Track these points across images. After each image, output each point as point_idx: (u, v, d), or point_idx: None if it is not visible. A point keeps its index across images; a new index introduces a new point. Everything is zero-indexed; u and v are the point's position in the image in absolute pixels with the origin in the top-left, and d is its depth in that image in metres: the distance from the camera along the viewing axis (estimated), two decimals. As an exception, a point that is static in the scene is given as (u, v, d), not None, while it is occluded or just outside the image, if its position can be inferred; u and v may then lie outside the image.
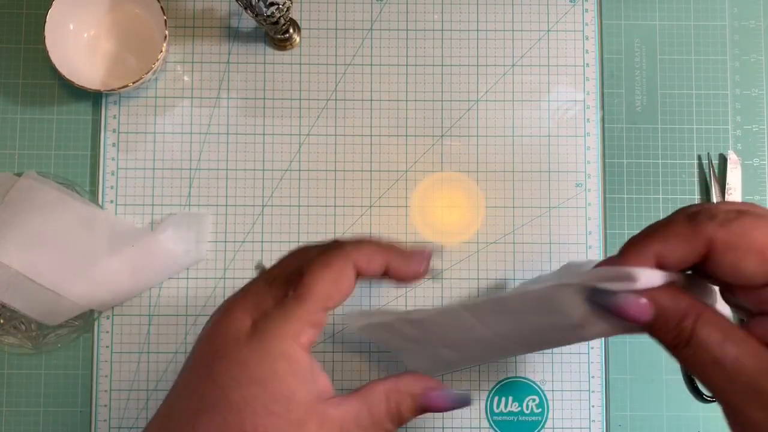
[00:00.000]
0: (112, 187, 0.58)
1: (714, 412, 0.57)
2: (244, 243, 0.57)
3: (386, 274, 0.34)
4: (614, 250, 0.57)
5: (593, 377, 0.57)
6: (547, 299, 0.32)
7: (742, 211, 0.28)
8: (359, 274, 0.32)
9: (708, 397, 0.56)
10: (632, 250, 0.30)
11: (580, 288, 0.31)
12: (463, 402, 0.32)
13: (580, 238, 0.58)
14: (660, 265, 0.29)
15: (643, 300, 0.28)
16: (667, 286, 0.29)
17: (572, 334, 0.33)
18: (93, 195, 0.58)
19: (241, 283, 0.34)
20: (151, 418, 0.32)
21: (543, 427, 0.56)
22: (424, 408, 0.32)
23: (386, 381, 0.32)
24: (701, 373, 0.28)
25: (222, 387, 0.28)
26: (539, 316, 0.33)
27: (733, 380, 0.26)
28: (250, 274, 0.56)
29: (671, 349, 0.29)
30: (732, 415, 0.27)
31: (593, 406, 0.57)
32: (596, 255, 0.58)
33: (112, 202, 0.58)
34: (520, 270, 0.58)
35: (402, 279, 0.34)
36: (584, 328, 0.31)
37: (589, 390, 0.57)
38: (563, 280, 0.31)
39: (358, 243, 0.33)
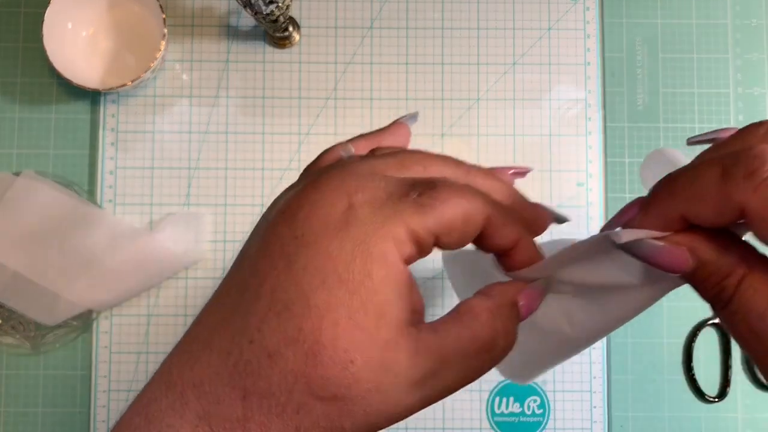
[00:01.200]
0: (110, 187, 0.58)
1: (715, 412, 0.57)
2: (243, 243, 0.57)
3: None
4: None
5: (595, 378, 0.57)
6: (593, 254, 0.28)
7: None
8: (490, 235, 0.26)
9: (710, 398, 0.56)
10: (655, 210, 0.25)
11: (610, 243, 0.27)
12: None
13: (582, 237, 0.58)
14: (690, 225, 0.25)
15: (678, 250, 0.24)
16: (716, 234, 0.24)
17: (637, 293, 0.28)
18: (91, 194, 0.58)
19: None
20: (198, 317, 0.26)
21: (544, 427, 0.56)
22: (523, 312, 0.27)
23: (484, 297, 0.26)
24: (738, 338, 0.24)
25: (301, 284, 0.23)
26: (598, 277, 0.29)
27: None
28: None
29: (712, 306, 0.25)
30: None
31: (595, 407, 0.56)
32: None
33: (110, 201, 0.57)
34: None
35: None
36: (637, 285, 0.27)
37: (590, 390, 0.56)
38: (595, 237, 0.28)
39: (495, 201, 0.27)
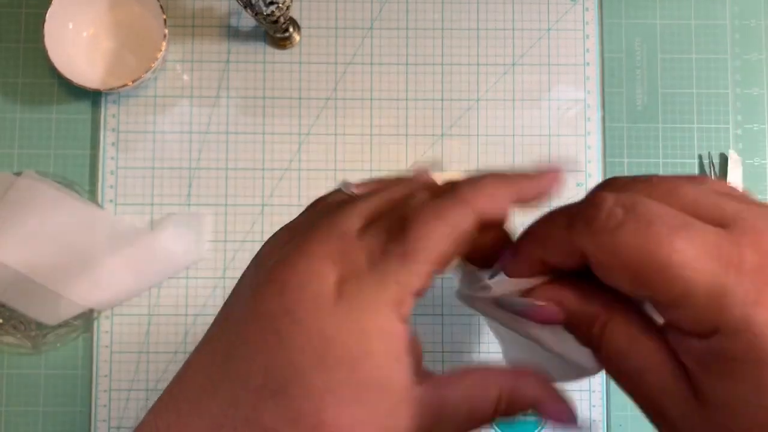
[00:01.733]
0: (111, 187, 0.58)
1: None
2: (244, 243, 0.57)
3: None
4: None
5: (593, 377, 0.57)
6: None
7: (633, 210, 0.22)
8: (482, 224, 0.25)
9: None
10: (520, 256, 0.26)
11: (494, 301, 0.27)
12: (573, 423, 0.26)
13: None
14: (548, 270, 0.26)
15: (546, 304, 0.25)
16: (582, 283, 0.25)
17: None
18: (92, 194, 0.58)
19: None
20: (184, 370, 0.25)
21: (543, 426, 0.56)
22: (533, 413, 0.26)
23: (502, 375, 0.25)
24: (615, 380, 0.25)
25: (297, 365, 0.22)
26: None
27: (638, 390, 0.24)
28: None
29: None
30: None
31: (594, 406, 0.56)
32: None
33: (111, 201, 0.58)
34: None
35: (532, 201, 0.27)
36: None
37: (589, 390, 0.57)
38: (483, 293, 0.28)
39: (476, 183, 0.26)
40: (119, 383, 0.56)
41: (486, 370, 0.25)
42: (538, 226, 0.26)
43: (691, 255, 0.21)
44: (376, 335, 0.23)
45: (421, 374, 0.24)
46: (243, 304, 0.24)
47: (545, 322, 0.26)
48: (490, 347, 0.57)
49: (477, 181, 0.26)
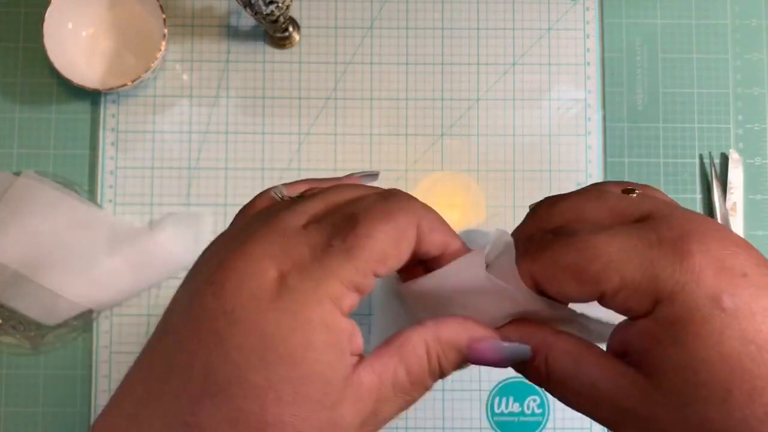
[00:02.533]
0: (110, 187, 0.58)
1: None
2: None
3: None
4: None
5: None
6: None
7: (560, 233, 0.25)
8: (417, 245, 0.26)
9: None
10: None
11: None
12: (519, 355, 0.26)
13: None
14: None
15: (486, 344, 0.26)
16: (519, 323, 0.27)
17: None
18: (92, 194, 0.58)
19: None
20: (122, 384, 0.24)
21: (544, 427, 0.56)
22: (470, 361, 0.26)
23: (424, 329, 0.25)
24: (572, 406, 0.25)
25: (237, 363, 0.21)
26: None
27: (598, 406, 0.24)
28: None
29: (543, 387, 0.27)
30: None
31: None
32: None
33: (110, 201, 0.57)
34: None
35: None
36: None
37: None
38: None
39: (423, 205, 0.26)
40: (119, 383, 0.56)
41: (408, 329, 0.25)
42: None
43: (614, 250, 0.23)
44: (316, 327, 0.22)
45: (361, 361, 0.24)
46: (181, 312, 0.24)
47: (491, 363, 0.26)
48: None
49: (423, 204, 0.27)
